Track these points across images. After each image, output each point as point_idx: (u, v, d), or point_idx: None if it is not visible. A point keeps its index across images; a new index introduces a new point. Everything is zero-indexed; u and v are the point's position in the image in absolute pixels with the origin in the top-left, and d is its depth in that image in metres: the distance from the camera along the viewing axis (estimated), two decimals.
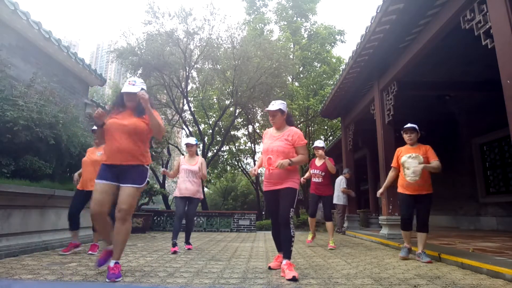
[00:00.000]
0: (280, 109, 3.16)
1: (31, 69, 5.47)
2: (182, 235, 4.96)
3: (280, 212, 2.98)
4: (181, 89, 12.50)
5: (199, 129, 14.65)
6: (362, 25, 6.76)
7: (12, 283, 2.38)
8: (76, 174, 4.46)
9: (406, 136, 4.06)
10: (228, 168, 20.93)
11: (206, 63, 12.98)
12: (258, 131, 18.14)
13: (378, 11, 4.92)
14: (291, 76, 16.42)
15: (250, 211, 9.95)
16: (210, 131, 15.24)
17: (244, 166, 21.20)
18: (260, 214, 16.25)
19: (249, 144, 19.61)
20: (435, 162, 3.74)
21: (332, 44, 17.70)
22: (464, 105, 8.74)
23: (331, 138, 17.22)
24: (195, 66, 12.66)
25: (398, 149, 4.16)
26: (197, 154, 5.14)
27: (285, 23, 18.18)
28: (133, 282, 2.51)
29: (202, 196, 4.99)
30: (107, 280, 2.49)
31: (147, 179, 2.83)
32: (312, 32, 18.07)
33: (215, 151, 16.76)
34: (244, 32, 14.26)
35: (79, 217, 4.16)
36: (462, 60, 6.10)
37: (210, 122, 16.38)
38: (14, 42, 5.39)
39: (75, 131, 5.18)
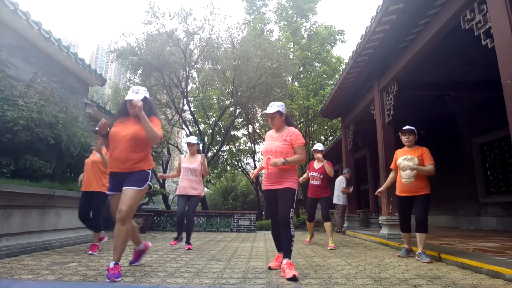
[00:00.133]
0: (278, 111, 3.18)
1: (31, 69, 5.47)
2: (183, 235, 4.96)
3: (280, 213, 2.99)
4: (181, 89, 12.50)
5: (199, 129, 14.65)
6: (362, 25, 6.77)
7: (12, 283, 2.39)
8: (80, 176, 4.53)
9: (404, 138, 4.11)
10: (228, 168, 20.92)
11: (206, 63, 12.99)
12: (258, 131, 18.14)
13: (378, 11, 4.92)
14: (291, 76, 16.42)
15: (250, 211, 9.95)
16: (210, 131, 15.24)
17: (244, 166, 21.21)
18: (260, 214, 16.26)
19: (249, 144, 19.61)
20: (429, 166, 3.81)
21: (332, 44, 17.70)
22: (464, 105, 8.74)
23: (331, 138, 17.21)
24: (195, 66, 12.66)
25: (396, 151, 4.24)
26: (199, 153, 5.16)
27: (285, 23, 18.17)
28: (133, 282, 2.51)
29: (202, 194, 5.00)
30: (107, 280, 2.50)
31: (149, 182, 2.87)
32: (312, 32, 18.07)
33: (215, 151, 16.76)
34: (244, 32, 14.26)
35: (91, 217, 4.28)
36: (462, 60, 6.10)
37: (210, 122, 16.38)
38: (14, 42, 5.39)
39: (75, 131, 5.18)
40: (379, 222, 6.34)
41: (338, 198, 7.97)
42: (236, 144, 19.71)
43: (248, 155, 19.99)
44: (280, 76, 13.03)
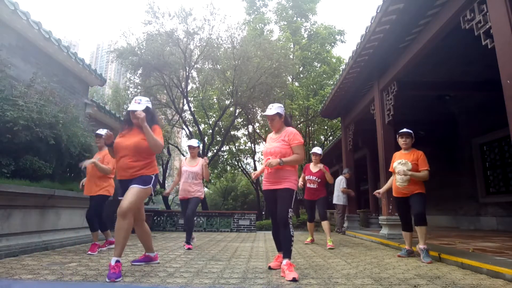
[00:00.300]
0: (278, 113, 3.19)
1: (31, 69, 5.46)
2: (183, 235, 4.97)
3: (278, 213, 3.00)
4: (181, 89, 12.49)
5: (199, 129, 14.64)
6: (362, 25, 6.77)
7: (12, 283, 2.39)
8: (82, 180, 4.62)
9: (401, 141, 4.15)
10: (228, 168, 20.94)
11: (206, 63, 12.98)
12: (258, 131, 18.14)
13: (378, 11, 4.92)
14: (291, 76, 16.42)
15: (250, 211, 9.95)
16: (210, 131, 15.24)
17: (244, 166, 21.21)
18: (260, 214, 16.26)
19: (249, 144, 19.62)
20: (423, 172, 3.88)
21: (332, 44, 17.71)
22: (464, 105, 8.73)
23: (331, 138, 17.21)
24: (195, 66, 12.66)
25: (394, 154, 4.32)
26: (199, 156, 5.23)
27: (285, 23, 18.18)
28: (133, 282, 2.51)
29: (202, 195, 5.04)
30: (107, 280, 2.50)
31: (151, 186, 2.99)
32: (312, 32, 18.08)
33: (215, 151, 16.77)
34: (244, 32, 14.26)
35: (99, 219, 4.37)
36: (462, 60, 6.10)
37: (210, 122, 16.38)
38: (14, 42, 5.39)
39: (75, 131, 5.18)
40: (379, 222, 6.34)
41: (338, 198, 7.97)
42: (236, 144, 19.72)
43: (248, 155, 20.00)
44: (280, 76, 13.03)
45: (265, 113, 3.23)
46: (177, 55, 11.46)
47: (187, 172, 4.95)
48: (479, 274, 2.98)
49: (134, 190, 2.83)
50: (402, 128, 4.20)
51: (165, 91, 12.74)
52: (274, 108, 3.19)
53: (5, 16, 5.01)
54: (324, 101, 9.77)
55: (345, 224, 8.45)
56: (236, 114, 14.83)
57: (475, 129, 8.64)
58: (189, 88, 13.78)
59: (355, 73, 6.92)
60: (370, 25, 5.30)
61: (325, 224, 5.49)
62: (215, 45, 11.88)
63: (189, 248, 4.68)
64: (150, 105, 3.09)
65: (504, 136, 7.61)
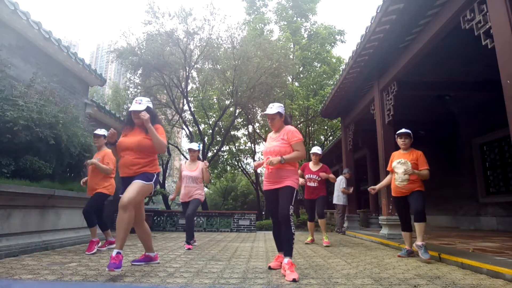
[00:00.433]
0: (278, 112, 3.19)
1: (31, 69, 5.46)
2: (183, 235, 4.97)
3: (280, 210, 2.99)
4: (181, 89, 12.49)
5: (199, 129, 14.64)
6: (362, 25, 6.77)
7: (12, 283, 2.39)
8: (83, 179, 4.67)
9: (400, 141, 4.16)
10: (228, 168, 20.94)
11: (206, 63, 12.98)
12: (258, 131, 18.14)
13: (378, 11, 4.92)
14: (291, 76, 16.43)
15: (250, 211, 9.94)
16: (210, 131, 15.24)
17: (244, 166, 21.21)
18: (260, 214, 16.27)
19: (249, 144, 19.63)
20: (424, 171, 3.89)
21: (332, 44, 17.72)
22: (464, 105, 8.73)
23: (331, 138, 17.21)
24: (195, 66, 12.66)
25: (392, 154, 4.32)
26: (199, 159, 5.29)
27: (285, 23, 18.19)
28: (133, 282, 2.51)
29: (202, 198, 5.09)
30: (107, 269, 2.56)
31: (152, 182, 3.04)
32: (312, 32, 18.08)
33: (215, 151, 16.76)
34: (244, 32, 14.26)
35: (99, 218, 4.42)
36: (462, 60, 6.10)
37: (210, 122, 16.39)
38: (14, 42, 5.39)
39: (75, 131, 5.18)
40: (379, 222, 6.35)
41: (338, 198, 7.97)
42: (236, 144, 19.73)
43: (248, 155, 20.01)
44: (280, 76, 13.03)
45: (265, 112, 3.22)
46: (177, 55, 11.46)
47: (187, 177, 5.05)
48: (479, 274, 2.98)
49: (136, 185, 2.90)
50: (402, 128, 4.20)
51: (165, 91, 12.75)
52: (275, 108, 3.19)
53: (5, 16, 5.01)
54: (324, 101, 9.76)
55: (345, 224, 8.45)
56: (236, 114, 14.83)
57: (475, 129, 8.64)
58: (189, 88, 13.79)
59: (355, 73, 6.92)
60: (370, 25, 5.30)
61: (322, 222, 5.66)
62: (215, 45, 11.88)
63: (189, 249, 4.69)
64: (150, 105, 3.16)
65: (504, 136, 7.60)
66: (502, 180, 7.96)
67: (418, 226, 3.81)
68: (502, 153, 8.01)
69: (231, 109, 14.70)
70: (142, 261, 3.30)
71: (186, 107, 14.84)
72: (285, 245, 2.97)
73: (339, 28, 17.96)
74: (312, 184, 5.55)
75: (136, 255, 3.98)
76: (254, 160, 18.96)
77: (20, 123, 4.11)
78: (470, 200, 8.75)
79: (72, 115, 5.29)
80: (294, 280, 2.61)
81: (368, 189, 4.67)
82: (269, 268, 3.17)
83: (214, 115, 16.89)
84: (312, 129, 17.87)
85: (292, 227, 2.96)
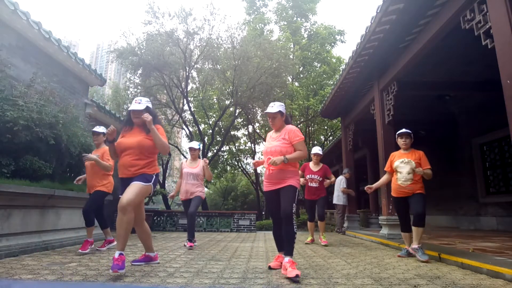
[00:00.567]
0: (280, 111, 3.17)
1: (31, 69, 5.46)
2: (183, 235, 4.96)
3: (282, 208, 2.97)
4: (181, 89, 12.49)
5: (199, 129, 14.64)
6: (362, 25, 6.77)
7: (12, 283, 2.39)
8: (83, 176, 4.67)
9: (400, 141, 4.14)
10: (228, 168, 20.94)
11: (206, 63, 12.99)
12: (258, 131, 18.14)
13: (378, 11, 4.92)
14: (291, 76, 16.43)
15: (250, 211, 9.94)
16: (210, 131, 15.24)
17: (244, 166, 21.21)
18: (260, 214, 16.27)
19: (249, 144, 19.63)
20: (429, 170, 3.88)
21: (332, 44, 17.73)
22: (464, 105, 8.73)
23: (331, 138, 17.21)
24: (195, 66, 12.66)
25: (392, 154, 4.29)
26: (200, 157, 5.31)
27: (285, 23, 18.19)
28: (133, 282, 2.51)
29: (203, 195, 5.12)
30: (110, 271, 2.57)
31: (151, 183, 3.03)
32: (312, 32, 18.09)
33: (215, 151, 16.76)
34: (244, 32, 14.27)
35: (98, 216, 4.43)
36: (462, 60, 6.09)
37: (210, 122, 16.38)
38: (14, 42, 5.38)
39: (75, 131, 5.18)
40: (379, 222, 6.35)
41: (338, 198, 7.98)
42: (236, 144, 19.73)
43: (248, 155, 20.00)
44: (280, 76, 13.03)
45: (266, 111, 3.20)
46: (177, 55, 11.46)
47: (188, 174, 5.05)
48: (479, 274, 2.98)
49: (135, 186, 2.88)
50: (402, 128, 4.19)
51: (165, 91, 12.75)
52: (276, 106, 3.18)
53: (5, 16, 5.01)
54: (324, 101, 9.76)
55: (345, 224, 8.45)
56: (236, 114, 14.83)
57: (475, 129, 8.64)
58: (189, 88, 13.79)
59: (355, 73, 6.92)
60: (370, 25, 5.30)
61: (321, 224, 5.69)
62: (215, 45, 11.88)
63: (190, 246, 4.69)
64: (150, 105, 3.14)
65: (504, 136, 7.60)
66: (502, 180, 7.96)
67: (416, 230, 3.80)
68: (502, 153, 8.01)
69: (231, 109, 14.70)
70: (142, 261, 3.30)
71: (186, 107, 14.86)
72: (286, 244, 2.95)
73: (339, 28, 17.97)
74: (313, 184, 5.56)
75: (136, 255, 3.98)
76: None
77: (20, 123, 4.11)
78: (470, 200, 8.75)
79: (72, 115, 5.29)
80: (297, 276, 2.60)
81: (365, 188, 4.66)
82: (269, 268, 3.17)
83: (214, 115, 16.89)
84: (312, 129, 17.87)
85: (294, 226, 2.95)
